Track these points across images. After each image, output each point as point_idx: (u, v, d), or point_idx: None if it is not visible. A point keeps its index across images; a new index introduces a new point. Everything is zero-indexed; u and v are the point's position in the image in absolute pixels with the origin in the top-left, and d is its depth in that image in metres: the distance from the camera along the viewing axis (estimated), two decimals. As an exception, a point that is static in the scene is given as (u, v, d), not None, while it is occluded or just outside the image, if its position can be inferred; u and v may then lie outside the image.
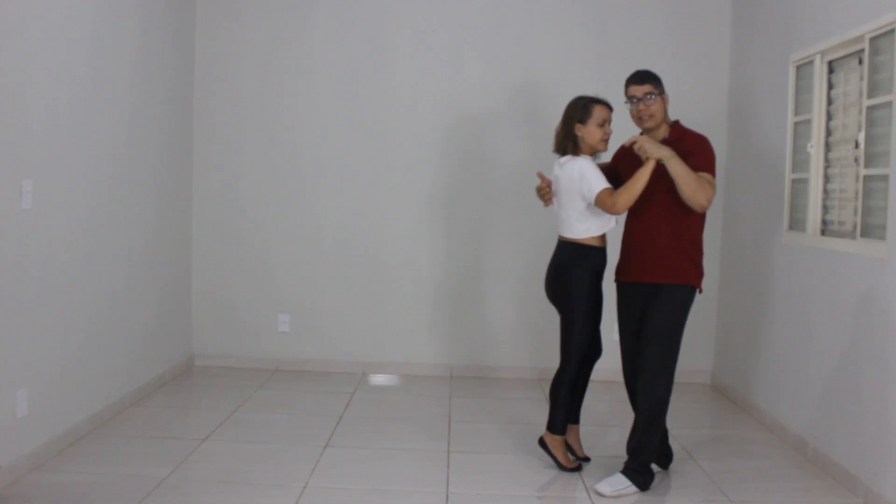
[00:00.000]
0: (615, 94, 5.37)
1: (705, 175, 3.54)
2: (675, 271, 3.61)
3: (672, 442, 4.36)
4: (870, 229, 3.72)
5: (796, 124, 4.54)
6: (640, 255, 3.69)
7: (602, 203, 3.58)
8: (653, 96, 3.63)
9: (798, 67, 4.52)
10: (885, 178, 3.57)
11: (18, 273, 3.56)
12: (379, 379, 5.73)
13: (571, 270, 3.73)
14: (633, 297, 3.73)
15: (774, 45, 4.84)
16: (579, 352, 3.77)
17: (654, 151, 3.50)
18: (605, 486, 3.58)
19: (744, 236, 5.27)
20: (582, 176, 3.63)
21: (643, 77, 3.68)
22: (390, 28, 5.74)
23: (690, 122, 5.66)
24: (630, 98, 3.69)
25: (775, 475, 3.96)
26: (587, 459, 3.95)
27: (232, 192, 5.81)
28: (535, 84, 5.68)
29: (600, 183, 3.59)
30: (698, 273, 3.68)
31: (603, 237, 3.76)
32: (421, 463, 3.98)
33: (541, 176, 3.92)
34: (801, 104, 4.50)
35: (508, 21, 5.72)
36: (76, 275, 4.10)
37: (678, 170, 3.47)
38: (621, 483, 3.59)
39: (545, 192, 3.88)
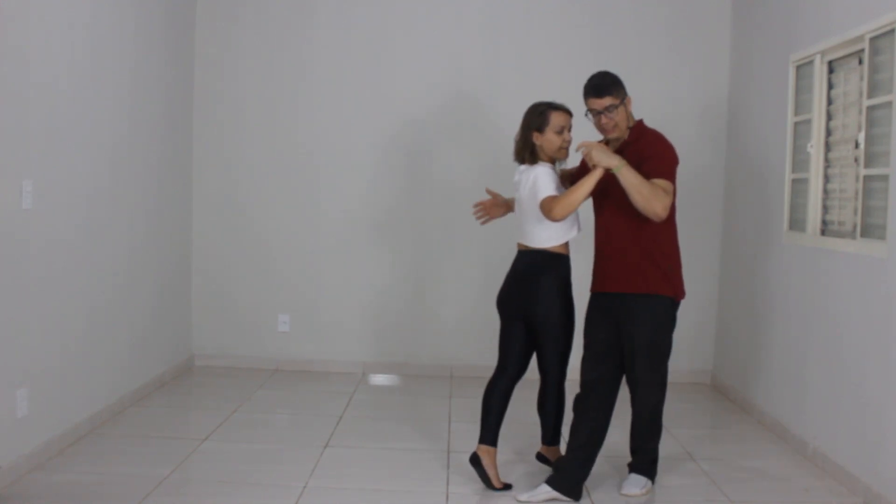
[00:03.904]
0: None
1: (660, 182, 3.32)
2: (642, 281, 3.44)
3: (672, 442, 4.37)
4: (870, 229, 3.72)
5: (796, 124, 4.54)
6: (607, 265, 3.55)
7: (541, 209, 3.44)
8: (614, 108, 3.42)
9: (798, 67, 4.52)
10: (885, 178, 3.57)
11: (18, 273, 3.56)
12: (379, 379, 5.73)
13: (539, 279, 3.54)
14: (603, 308, 3.57)
15: (774, 45, 4.84)
16: (564, 362, 3.66)
17: (602, 160, 3.31)
18: (633, 488, 3.62)
19: (744, 236, 5.27)
20: (535, 183, 3.49)
21: (601, 89, 3.44)
22: (390, 28, 5.74)
23: (690, 122, 5.71)
24: (590, 111, 3.48)
25: (775, 475, 3.96)
26: (508, 486, 3.68)
27: (232, 193, 5.81)
28: (533, 84, 5.67)
29: (547, 190, 3.44)
30: (669, 282, 3.48)
31: (566, 245, 3.60)
32: (421, 463, 3.98)
33: (490, 193, 3.88)
34: (801, 104, 4.50)
35: (507, 23, 5.71)
36: (76, 275, 4.10)
37: (629, 179, 3.27)
38: (642, 481, 3.65)
39: (487, 210, 3.88)
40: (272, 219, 5.81)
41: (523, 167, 3.63)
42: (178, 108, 5.54)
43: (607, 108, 3.43)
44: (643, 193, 3.27)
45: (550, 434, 3.80)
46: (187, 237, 5.77)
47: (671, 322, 3.55)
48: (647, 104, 5.65)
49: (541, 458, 3.87)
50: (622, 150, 3.47)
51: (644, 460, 3.70)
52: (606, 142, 3.60)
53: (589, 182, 3.35)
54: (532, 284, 3.57)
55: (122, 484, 3.53)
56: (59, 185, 3.91)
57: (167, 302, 5.39)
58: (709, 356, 5.75)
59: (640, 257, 3.46)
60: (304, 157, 5.79)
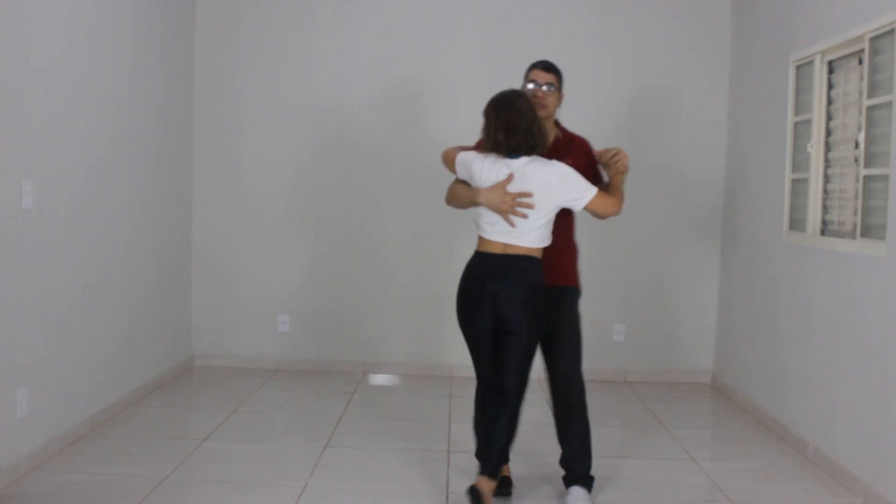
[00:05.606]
0: (613, 95, 5.38)
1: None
2: (571, 275, 3.59)
3: (672, 442, 4.37)
4: (870, 229, 3.72)
5: (796, 124, 4.54)
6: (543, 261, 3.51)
7: (602, 205, 3.26)
8: (552, 87, 3.54)
9: (798, 67, 4.52)
10: (885, 178, 3.57)
11: (18, 273, 3.56)
12: (379, 379, 5.73)
13: (528, 288, 3.26)
14: None
15: (774, 45, 4.84)
16: (527, 375, 3.38)
17: (628, 167, 3.45)
18: (581, 502, 3.47)
19: (744, 236, 5.27)
20: (567, 181, 3.22)
21: (549, 66, 3.62)
22: (391, 28, 5.74)
23: (690, 122, 5.72)
24: (531, 80, 3.56)
25: (775, 475, 3.96)
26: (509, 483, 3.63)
27: (232, 193, 5.81)
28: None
29: (592, 185, 3.27)
30: (577, 276, 3.64)
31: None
32: (421, 463, 3.98)
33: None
34: (801, 104, 4.50)
35: (508, 22, 5.71)
36: (76, 274, 4.10)
37: (619, 184, 3.46)
38: (584, 494, 3.50)
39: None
40: (272, 218, 5.81)
41: (525, 159, 3.24)
42: (178, 108, 5.54)
43: (548, 84, 3.55)
44: (620, 197, 3.44)
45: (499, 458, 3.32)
46: (187, 237, 5.77)
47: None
48: (647, 104, 5.71)
49: (474, 492, 3.21)
50: (557, 147, 3.50)
51: (583, 470, 3.55)
52: None
53: (621, 185, 3.43)
54: (522, 296, 3.26)
55: (122, 484, 3.53)
56: (59, 185, 3.91)
57: (167, 302, 5.39)
58: (709, 356, 5.75)
59: (568, 253, 3.59)
60: (305, 156, 5.79)
